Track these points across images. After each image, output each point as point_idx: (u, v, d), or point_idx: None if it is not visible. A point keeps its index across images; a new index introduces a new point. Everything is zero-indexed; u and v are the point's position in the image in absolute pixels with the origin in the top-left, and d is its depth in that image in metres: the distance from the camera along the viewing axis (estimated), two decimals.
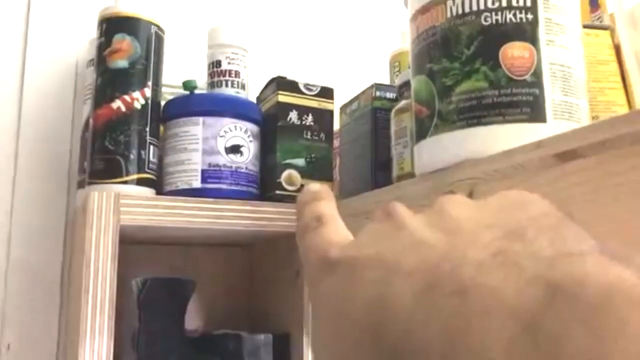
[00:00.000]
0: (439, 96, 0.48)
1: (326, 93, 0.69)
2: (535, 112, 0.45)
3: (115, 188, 0.59)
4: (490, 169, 0.43)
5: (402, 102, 0.64)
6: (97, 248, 0.56)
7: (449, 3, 0.48)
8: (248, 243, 0.81)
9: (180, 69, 0.77)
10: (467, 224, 0.17)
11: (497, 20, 0.46)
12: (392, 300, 0.16)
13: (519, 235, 0.16)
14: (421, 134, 0.50)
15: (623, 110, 0.56)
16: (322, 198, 0.24)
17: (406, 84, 0.66)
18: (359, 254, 0.18)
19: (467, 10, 0.47)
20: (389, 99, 0.70)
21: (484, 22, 0.46)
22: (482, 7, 0.47)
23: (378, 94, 0.70)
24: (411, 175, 0.62)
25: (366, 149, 0.69)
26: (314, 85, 0.68)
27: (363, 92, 0.72)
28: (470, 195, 0.45)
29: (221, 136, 0.62)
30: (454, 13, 0.48)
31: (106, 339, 0.54)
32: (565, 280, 0.13)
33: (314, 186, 0.26)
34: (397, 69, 0.77)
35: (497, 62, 0.45)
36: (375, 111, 0.69)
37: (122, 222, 0.57)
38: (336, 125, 0.74)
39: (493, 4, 0.46)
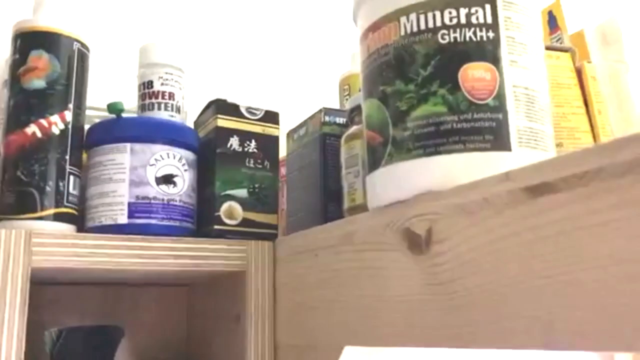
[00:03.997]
0: (392, 122, 0.43)
1: (271, 117, 0.63)
2: (499, 139, 0.40)
3: (27, 225, 0.51)
4: (452, 204, 0.38)
5: (353, 128, 0.59)
6: (4, 294, 0.48)
7: (403, 20, 0.44)
8: (184, 283, 0.74)
9: (108, 90, 0.70)
10: None
11: (455, 38, 0.42)
12: None
13: None
14: (374, 163, 0.45)
15: (587, 137, 0.53)
16: None
17: (357, 108, 0.61)
18: None
19: (422, 27, 0.43)
20: (339, 124, 0.65)
21: (441, 41, 0.42)
22: (438, 24, 0.42)
23: (327, 118, 0.65)
24: (363, 208, 0.57)
25: (315, 178, 0.64)
26: (257, 109, 0.63)
27: (311, 117, 0.67)
28: (429, 232, 0.40)
29: (151, 165, 0.55)
30: (409, 30, 0.43)
31: None
32: None
33: None
34: (346, 93, 0.72)
35: (456, 85, 0.41)
36: (324, 137, 0.64)
37: (34, 265, 0.50)
38: (282, 152, 0.69)
39: (451, 20, 0.42)
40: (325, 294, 0.52)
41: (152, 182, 0.55)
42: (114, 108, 0.56)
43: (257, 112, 0.62)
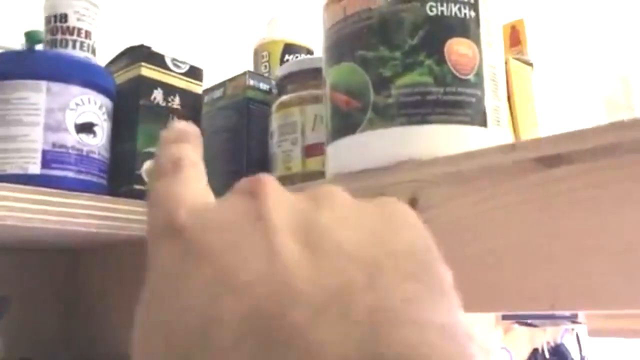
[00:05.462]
0: (374, 88, 0.42)
1: (195, 73, 0.58)
2: (478, 115, 0.42)
3: None
4: (443, 172, 0.39)
5: (290, 96, 0.57)
6: None
7: None
8: (68, 249, 0.65)
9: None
10: (329, 245, 0.16)
11: (442, 11, 0.42)
12: (215, 320, 0.14)
13: (374, 279, 0.15)
14: (346, 128, 0.44)
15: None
16: (187, 140, 0.22)
17: (291, 76, 0.59)
18: (205, 237, 0.16)
19: None
20: (263, 91, 0.63)
21: (429, 12, 0.42)
22: None
23: (252, 82, 0.62)
24: (300, 176, 0.55)
25: (236, 144, 0.60)
26: (182, 62, 0.57)
27: (232, 79, 0.63)
28: (414, 201, 0.40)
29: (71, 109, 0.48)
30: None
31: None
32: (390, 354, 0.13)
33: (181, 124, 0.23)
34: (265, 59, 0.69)
35: (442, 57, 0.42)
36: (248, 102, 0.61)
37: None
38: None
39: None
40: None
41: (72, 129, 0.47)
42: (34, 37, 0.47)
43: (182, 66, 0.57)
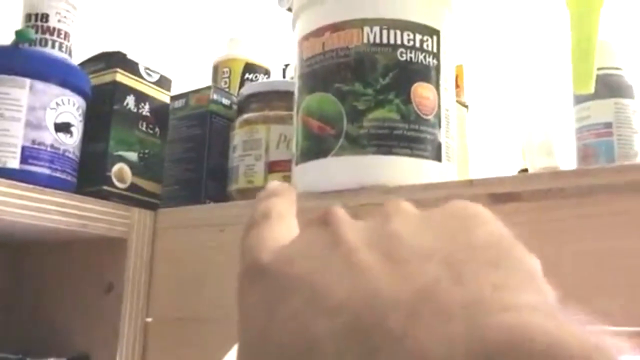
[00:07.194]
0: (348, 118, 0.47)
1: (165, 82, 0.61)
2: (435, 150, 0.48)
3: None
4: (406, 199, 0.44)
5: (257, 114, 0.61)
6: None
7: (366, 29, 0.49)
8: (11, 243, 0.65)
9: None
10: (407, 251, 0.16)
11: (411, 58, 0.48)
12: (313, 341, 0.15)
13: (458, 273, 0.15)
14: (318, 152, 0.49)
15: None
16: (279, 194, 0.23)
17: (257, 95, 0.63)
18: (289, 270, 0.17)
19: (384, 40, 0.48)
20: (224, 105, 0.66)
21: (399, 57, 0.48)
22: (398, 41, 0.48)
23: (215, 97, 0.65)
24: (260, 190, 0.59)
25: (197, 153, 0.63)
26: (154, 71, 0.60)
27: (195, 91, 0.66)
28: None
29: (52, 108, 0.49)
30: (371, 40, 0.48)
31: None
32: (497, 345, 0.13)
33: (274, 183, 0.25)
34: (226, 75, 0.72)
35: (408, 98, 0.48)
36: (211, 115, 0.64)
37: None
38: None
39: (408, 42, 0.48)
40: (227, 268, 0.53)
41: (51, 127, 0.49)
42: (24, 36, 0.48)
43: (154, 75, 0.60)
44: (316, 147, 0.49)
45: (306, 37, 0.52)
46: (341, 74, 0.49)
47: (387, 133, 0.47)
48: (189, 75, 0.81)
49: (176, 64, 0.87)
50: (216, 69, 0.74)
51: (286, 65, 0.81)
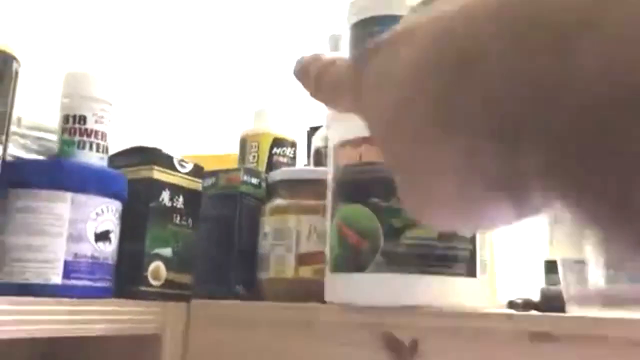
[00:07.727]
0: (385, 235, 0.48)
1: (197, 171, 0.62)
2: (469, 267, 0.49)
3: None
4: (443, 324, 0.45)
5: (287, 202, 0.61)
6: None
7: None
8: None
9: None
10: None
11: None
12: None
13: None
14: (354, 265, 0.49)
15: None
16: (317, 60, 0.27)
17: (287, 182, 0.63)
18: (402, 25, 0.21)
19: None
20: (254, 185, 0.67)
21: None
22: None
23: (245, 178, 0.66)
24: (290, 282, 0.59)
25: (227, 234, 0.64)
26: (186, 162, 0.60)
27: (225, 171, 0.66)
28: (414, 342, 0.46)
29: (92, 219, 0.50)
30: None
31: None
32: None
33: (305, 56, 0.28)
34: (255, 149, 0.73)
35: None
36: (242, 196, 0.65)
37: None
38: None
39: None
40: None
41: (92, 238, 0.50)
42: (67, 153, 0.48)
43: (187, 166, 0.60)
44: (352, 260, 0.50)
45: (343, 145, 0.52)
46: (379, 188, 0.49)
47: (427, 252, 0.47)
48: (212, 139, 0.81)
49: (198, 127, 0.88)
50: (244, 143, 0.74)
51: (311, 129, 0.81)
